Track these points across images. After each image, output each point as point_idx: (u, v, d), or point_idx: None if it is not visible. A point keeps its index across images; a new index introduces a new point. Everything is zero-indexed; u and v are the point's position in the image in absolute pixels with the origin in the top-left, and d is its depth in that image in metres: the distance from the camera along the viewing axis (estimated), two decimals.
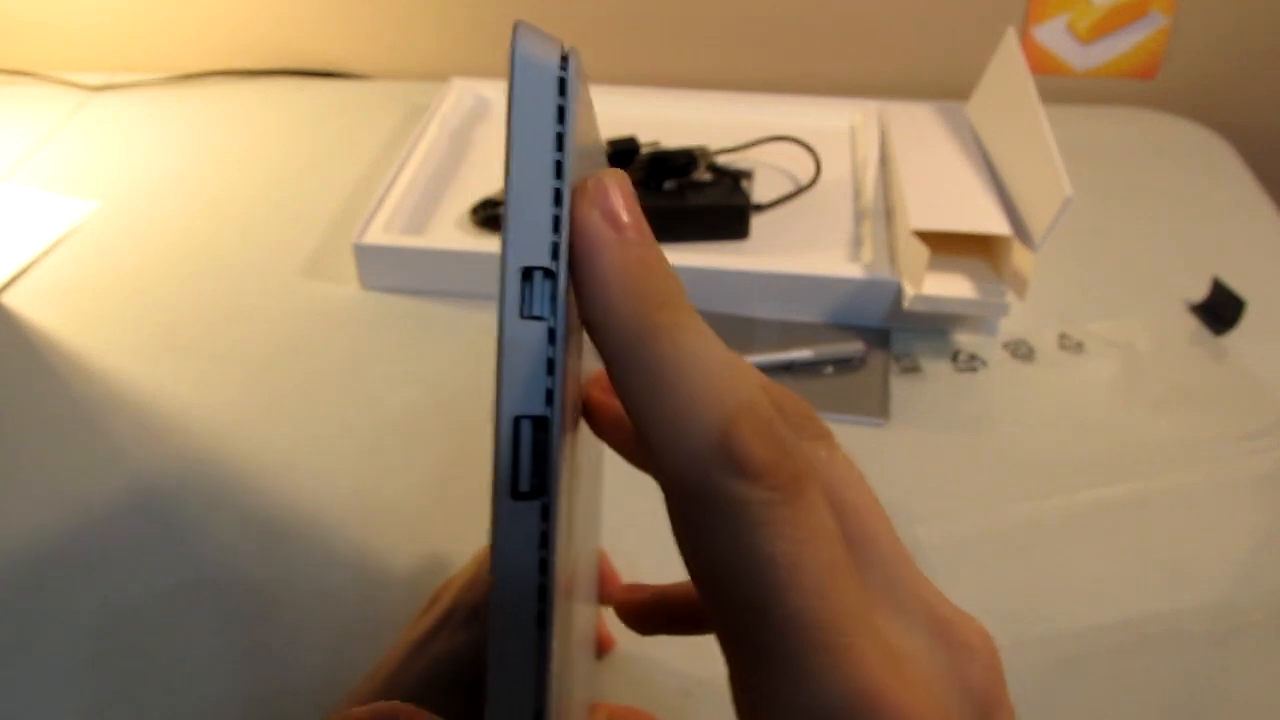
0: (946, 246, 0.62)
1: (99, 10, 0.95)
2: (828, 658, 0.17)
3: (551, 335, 0.18)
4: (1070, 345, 0.64)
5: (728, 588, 0.17)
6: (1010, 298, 0.61)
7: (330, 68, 0.96)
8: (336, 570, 0.50)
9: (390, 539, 0.51)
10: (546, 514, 0.17)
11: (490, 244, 0.69)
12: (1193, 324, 0.65)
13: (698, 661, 0.44)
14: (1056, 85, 0.91)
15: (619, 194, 0.19)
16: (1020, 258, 0.60)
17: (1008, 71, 0.69)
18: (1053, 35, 0.90)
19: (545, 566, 0.17)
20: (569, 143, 0.18)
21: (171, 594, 0.49)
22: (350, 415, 0.59)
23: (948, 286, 0.62)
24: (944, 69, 0.91)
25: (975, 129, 0.73)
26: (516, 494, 0.18)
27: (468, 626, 0.36)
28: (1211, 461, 0.55)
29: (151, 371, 0.62)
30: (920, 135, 0.74)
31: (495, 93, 0.85)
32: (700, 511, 0.17)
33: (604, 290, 0.18)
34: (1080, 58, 0.91)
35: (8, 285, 0.70)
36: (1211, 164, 0.83)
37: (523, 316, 0.18)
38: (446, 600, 0.39)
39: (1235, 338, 0.64)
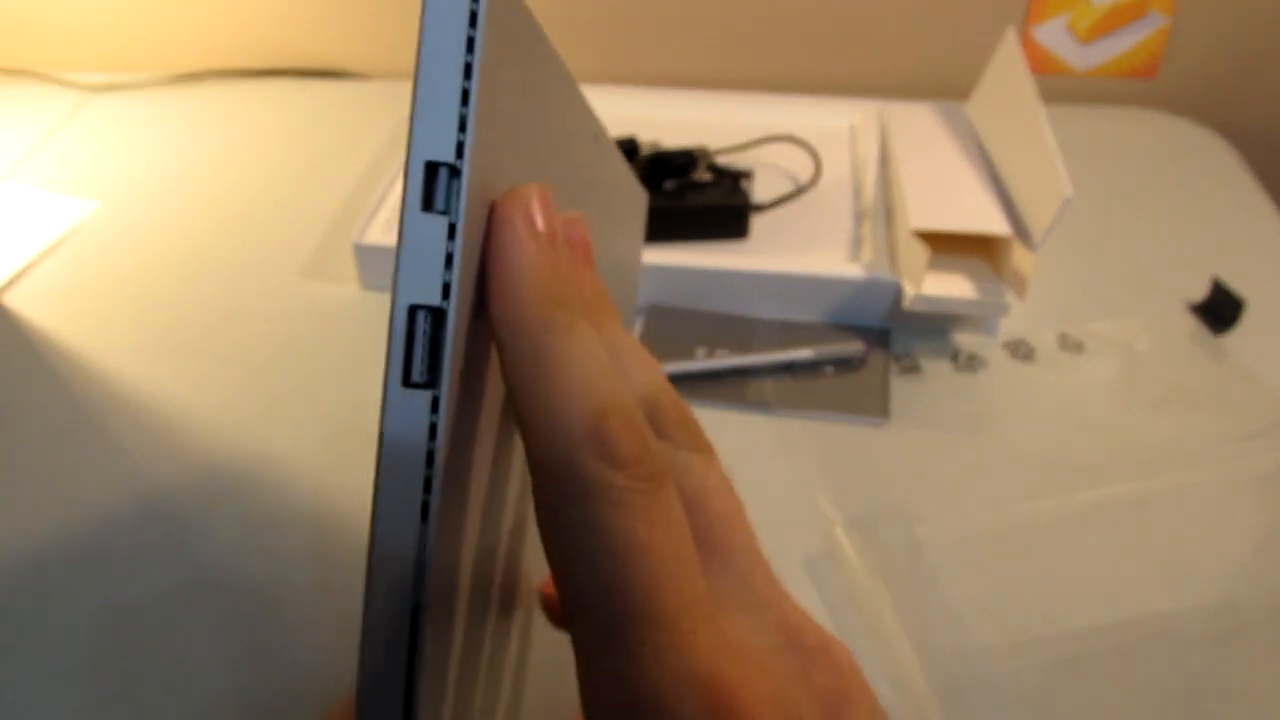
0: (946, 246, 0.62)
1: (99, 10, 0.95)
2: (668, 638, 0.18)
3: (451, 230, 0.18)
4: (1070, 345, 0.64)
5: (579, 567, 0.19)
6: (1010, 298, 0.61)
7: (330, 68, 0.96)
8: (336, 570, 0.50)
9: None
10: (436, 406, 0.18)
11: None
12: (1192, 324, 0.65)
13: None
14: (1056, 85, 0.91)
15: (538, 203, 0.20)
16: (1020, 258, 0.60)
17: (1008, 71, 0.69)
18: (1053, 35, 0.90)
19: (431, 458, 0.18)
20: (479, 42, 0.18)
21: (171, 594, 0.49)
22: (350, 415, 0.59)
23: (948, 286, 0.62)
24: (944, 69, 0.92)
25: (975, 129, 0.74)
26: (408, 383, 0.18)
27: None
28: (1211, 461, 0.55)
29: (151, 371, 0.62)
30: (920, 135, 0.74)
31: None
32: (564, 491, 0.19)
33: (513, 282, 0.19)
34: (1080, 58, 0.91)
35: (8, 285, 0.70)
36: (1211, 164, 0.83)
37: (424, 210, 0.18)
38: None
39: (1235, 338, 0.64)
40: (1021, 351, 0.63)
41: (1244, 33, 0.89)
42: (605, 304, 0.23)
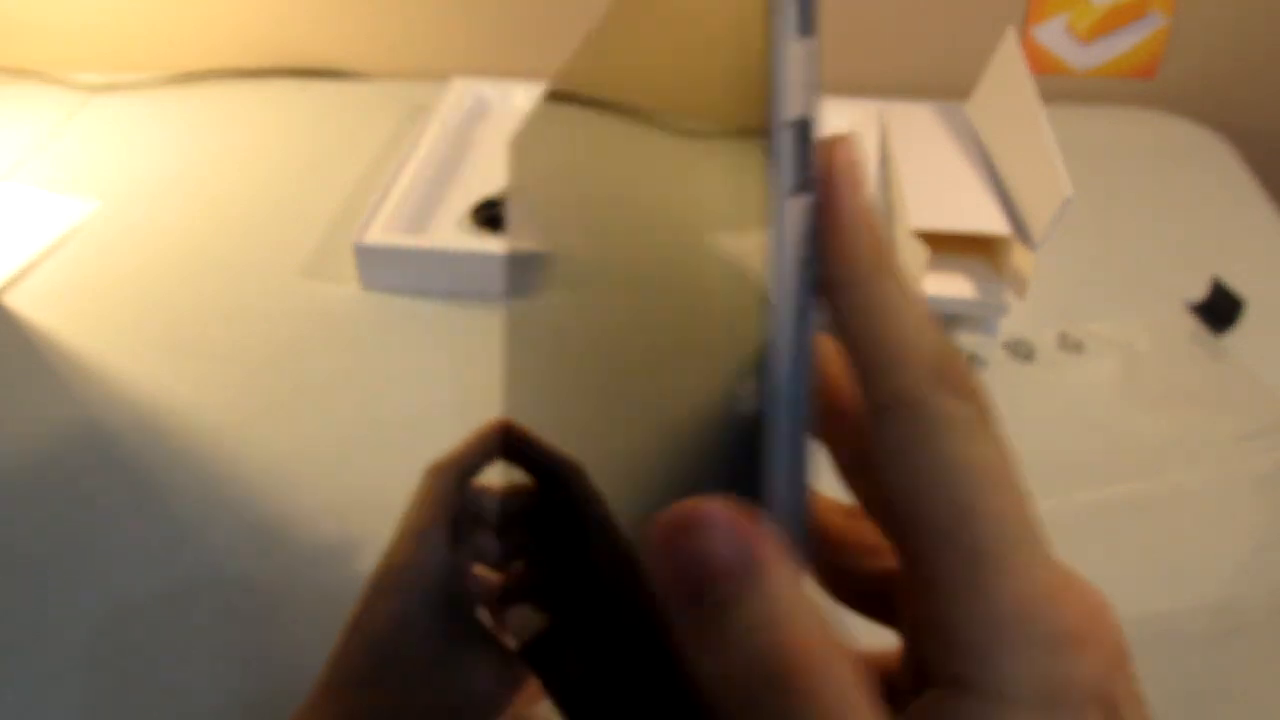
0: (946, 246, 0.62)
1: (99, 10, 0.95)
2: (1030, 553, 0.19)
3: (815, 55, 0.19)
4: (1070, 345, 0.64)
5: (940, 497, 0.19)
6: (1010, 297, 0.61)
7: (330, 68, 0.96)
8: (336, 570, 0.50)
9: (390, 538, 0.51)
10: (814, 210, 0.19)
11: (491, 244, 0.69)
12: (1192, 324, 0.65)
13: None
14: (1056, 85, 0.91)
15: (856, 151, 0.21)
16: (1020, 257, 0.60)
17: (1008, 71, 0.69)
18: (1053, 35, 0.90)
19: (809, 263, 0.19)
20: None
21: (171, 594, 0.49)
22: (350, 415, 0.59)
23: (947, 286, 0.62)
24: (944, 69, 0.91)
25: (975, 129, 0.73)
26: (798, 190, 0.19)
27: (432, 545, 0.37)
28: (1211, 461, 0.55)
29: (151, 371, 0.62)
30: (920, 135, 0.74)
31: (495, 92, 0.85)
32: (919, 425, 0.19)
33: (855, 223, 0.20)
34: (1080, 58, 0.91)
35: (8, 285, 0.70)
36: (1211, 164, 0.83)
37: (800, 34, 0.19)
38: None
39: (1235, 338, 0.64)
40: (1021, 351, 0.63)
41: (1244, 33, 0.89)
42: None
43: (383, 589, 0.37)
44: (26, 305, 0.68)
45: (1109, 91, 0.92)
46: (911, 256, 0.62)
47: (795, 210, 0.19)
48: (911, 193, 0.66)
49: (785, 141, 0.19)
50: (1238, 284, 0.65)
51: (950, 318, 0.64)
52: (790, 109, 0.19)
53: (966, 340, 0.64)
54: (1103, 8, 0.88)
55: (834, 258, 0.20)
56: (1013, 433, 0.62)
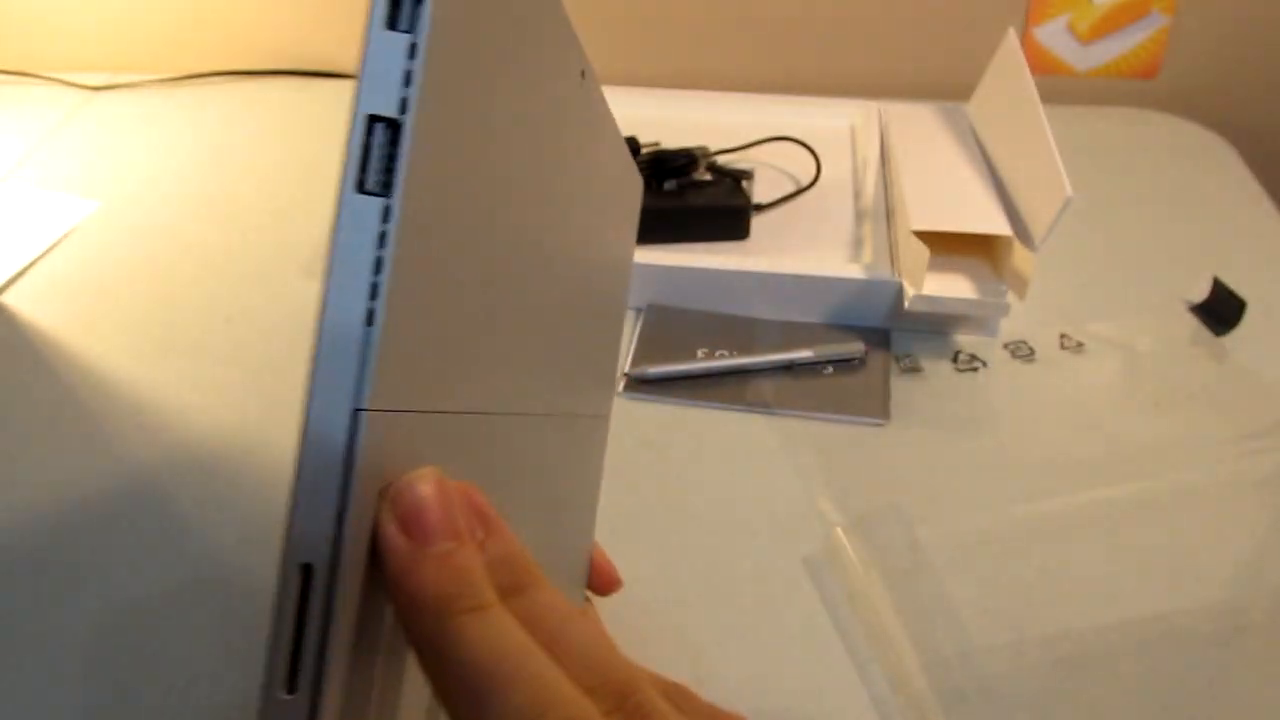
0: (947, 247, 0.62)
1: (99, 10, 0.95)
2: None
3: (413, 49, 0.19)
4: (1071, 345, 0.64)
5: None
6: (1010, 298, 0.61)
7: (330, 68, 0.96)
8: None
9: None
10: (388, 215, 0.18)
11: None
12: (1193, 324, 0.65)
13: (698, 660, 0.45)
14: (1057, 85, 0.91)
15: (428, 489, 0.20)
16: (1020, 258, 0.60)
17: (1008, 72, 0.69)
18: (1053, 35, 0.90)
19: (380, 265, 0.18)
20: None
21: (171, 594, 0.49)
22: None
23: (948, 287, 0.62)
24: (944, 69, 0.91)
25: (976, 129, 0.73)
26: (362, 190, 0.19)
27: None
28: (1212, 462, 0.55)
29: (151, 371, 0.62)
30: (920, 135, 0.74)
31: None
32: None
33: (395, 595, 0.19)
34: (1080, 58, 0.91)
35: (8, 285, 0.70)
36: (1211, 164, 0.83)
37: (388, 28, 0.19)
38: None
39: (1236, 338, 0.64)
40: (1022, 352, 0.63)
41: (1244, 33, 0.89)
42: (525, 572, 0.21)
43: None
44: (26, 305, 0.68)
45: (1109, 92, 0.92)
46: (912, 257, 0.62)
47: (360, 210, 0.19)
48: (911, 193, 0.66)
49: (358, 134, 0.19)
50: (1238, 284, 0.65)
51: (951, 318, 0.64)
52: (369, 103, 0.19)
53: (967, 341, 0.64)
54: (1103, 8, 0.88)
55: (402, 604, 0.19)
56: (1013, 433, 0.62)
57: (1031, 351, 0.63)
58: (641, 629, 0.45)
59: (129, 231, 0.75)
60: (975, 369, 0.62)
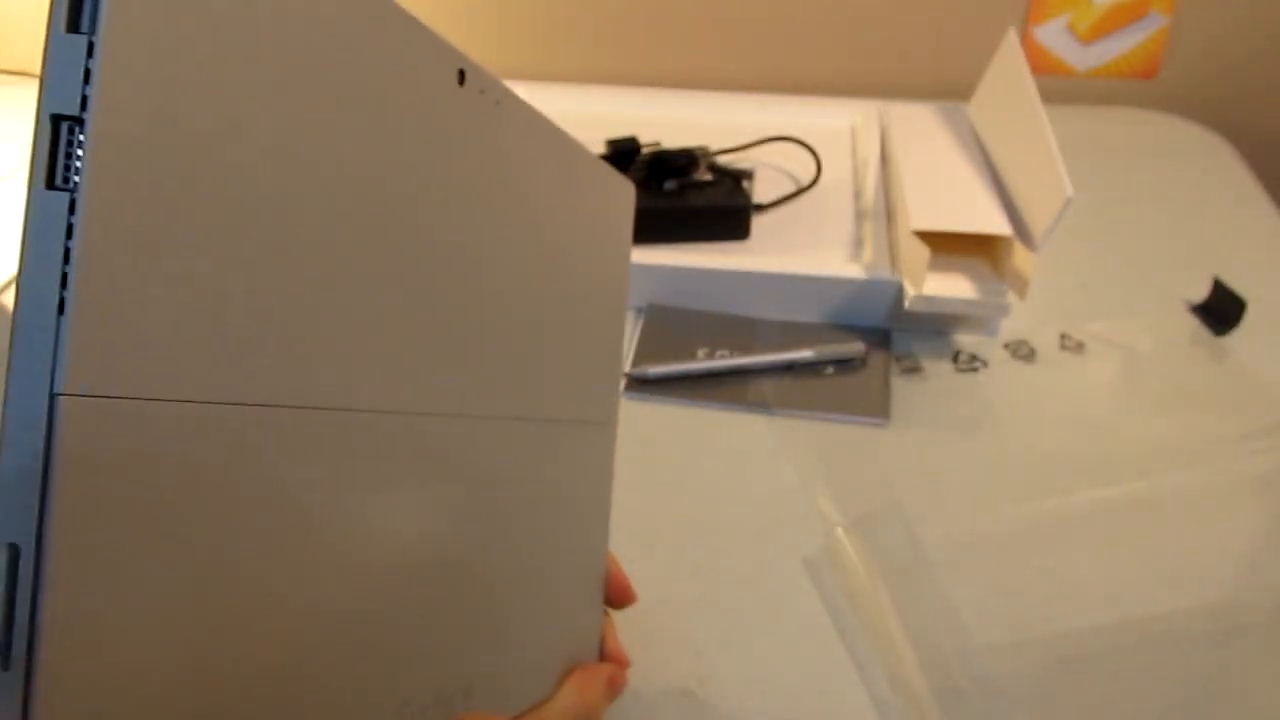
0: (947, 246, 0.62)
1: None
2: None
3: (91, 49, 0.20)
4: (1071, 345, 0.64)
5: None
6: (1011, 298, 0.61)
7: None
8: None
9: None
10: (74, 207, 0.20)
11: None
12: (1193, 324, 0.65)
13: (699, 659, 0.45)
14: (1057, 85, 0.91)
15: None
16: (1021, 258, 0.60)
17: (1008, 72, 0.69)
18: (1053, 35, 0.90)
19: (69, 255, 0.20)
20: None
21: None
22: None
23: (948, 287, 0.62)
24: (944, 69, 0.92)
25: (976, 129, 0.74)
26: (51, 186, 0.20)
27: None
28: (1212, 461, 0.55)
29: None
30: (921, 135, 0.74)
31: None
32: None
33: None
34: (1080, 58, 0.91)
35: (8, 285, 0.70)
36: (1211, 164, 0.83)
37: (68, 31, 0.20)
38: None
39: (1236, 338, 0.64)
40: (1022, 352, 0.63)
41: (1244, 33, 0.89)
42: None
43: None
44: None
45: (1109, 91, 0.92)
46: (912, 257, 0.62)
47: (48, 204, 0.20)
48: (912, 193, 0.66)
49: (44, 133, 0.20)
50: (1238, 284, 0.65)
51: (951, 318, 0.64)
52: (52, 103, 0.20)
53: (967, 341, 0.64)
54: (1103, 8, 0.88)
55: None
56: (1013, 433, 0.62)
57: (1032, 351, 0.63)
58: (642, 629, 0.45)
59: None
60: (975, 369, 0.62)
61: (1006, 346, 0.63)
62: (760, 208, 0.71)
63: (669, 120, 0.80)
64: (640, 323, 0.65)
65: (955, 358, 0.63)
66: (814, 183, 0.74)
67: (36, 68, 0.21)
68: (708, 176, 0.71)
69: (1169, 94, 0.91)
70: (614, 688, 0.39)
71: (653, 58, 0.94)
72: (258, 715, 0.23)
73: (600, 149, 0.70)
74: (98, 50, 0.20)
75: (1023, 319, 0.64)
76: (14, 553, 0.20)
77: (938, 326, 0.64)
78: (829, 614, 0.47)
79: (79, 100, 0.20)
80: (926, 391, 0.60)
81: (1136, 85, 0.92)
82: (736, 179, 0.71)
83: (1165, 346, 0.63)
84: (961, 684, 0.44)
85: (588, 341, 0.38)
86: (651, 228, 0.69)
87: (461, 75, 0.30)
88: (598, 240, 0.38)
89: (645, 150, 0.72)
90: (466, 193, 0.30)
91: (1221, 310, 0.65)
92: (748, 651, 0.45)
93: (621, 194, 0.40)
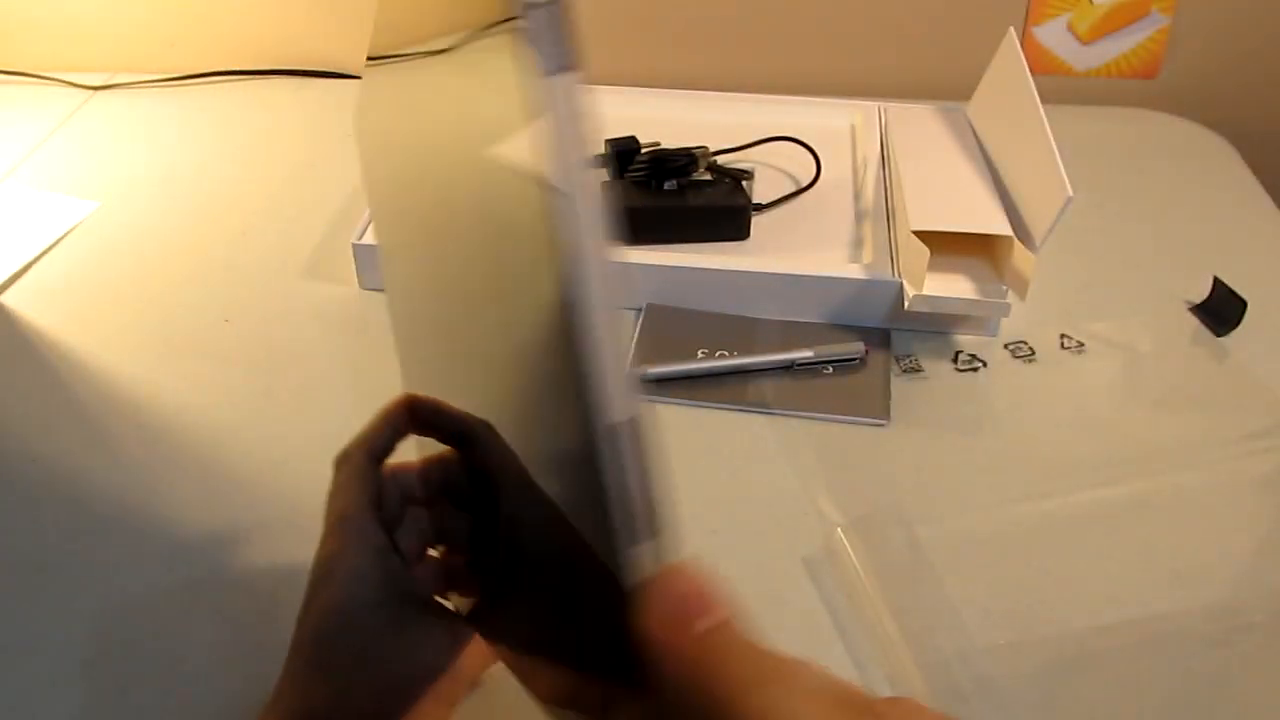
0: (947, 247, 0.62)
1: (99, 10, 0.95)
2: None
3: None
4: (1071, 346, 0.64)
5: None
6: (1011, 298, 0.61)
7: (330, 68, 0.96)
8: None
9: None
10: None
11: None
12: (1193, 324, 0.65)
13: None
14: (1057, 85, 0.91)
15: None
16: (1021, 258, 0.60)
17: (1008, 72, 0.69)
18: (1053, 35, 0.89)
19: (586, 140, 0.20)
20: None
21: (171, 594, 0.49)
22: (350, 415, 0.59)
23: (948, 287, 0.62)
24: (944, 69, 0.91)
25: (976, 129, 0.73)
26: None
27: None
28: (1212, 462, 0.55)
29: (151, 371, 0.62)
30: (920, 135, 0.74)
31: None
32: None
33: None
34: (1080, 58, 0.91)
35: (8, 285, 0.70)
36: (1211, 164, 0.83)
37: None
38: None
39: (1236, 338, 0.64)
40: (1022, 352, 0.63)
41: (1244, 33, 0.89)
42: None
43: (320, 580, 0.37)
44: (26, 305, 0.68)
45: (1109, 91, 0.92)
46: (912, 257, 0.62)
47: (563, 89, 0.19)
48: (912, 193, 0.66)
49: (539, 21, 0.19)
50: (1239, 284, 0.65)
51: (951, 318, 0.64)
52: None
53: (967, 341, 0.64)
54: (1103, 8, 0.88)
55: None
56: (1014, 433, 0.62)
57: (1032, 351, 0.63)
58: None
59: (128, 231, 0.75)
60: (975, 369, 0.62)
61: (1006, 346, 0.63)
62: (760, 208, 0.71)
63: (669, 120, 0.80)
64: (640, 322, 0.65)
65: (955, 358, 0.63)
66: (814, 183, 0.74)
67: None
68: (707, 176, 0.71)
69: (1169, 94, 0.91)
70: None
71: (652, 58, 0.94)
72: None
73: (600, 149, 0.70)
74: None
75: (1023, 319, 0.64)
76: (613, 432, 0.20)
77: (938, 326, 0.64)
78: (829, 614, 0.47)
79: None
80: (926, 391, 0.60)
81: (1137, 85, 0.92)
82: (736, 179, 0.71)
83: (1165, 346, 0.63)
84: (961, 684, 0.44)
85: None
86: (651, 228, 0.69)
87: None
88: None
89: (645, 150, 0.72)
90: None
91: (1222, 310, 0.65)
92: None
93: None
